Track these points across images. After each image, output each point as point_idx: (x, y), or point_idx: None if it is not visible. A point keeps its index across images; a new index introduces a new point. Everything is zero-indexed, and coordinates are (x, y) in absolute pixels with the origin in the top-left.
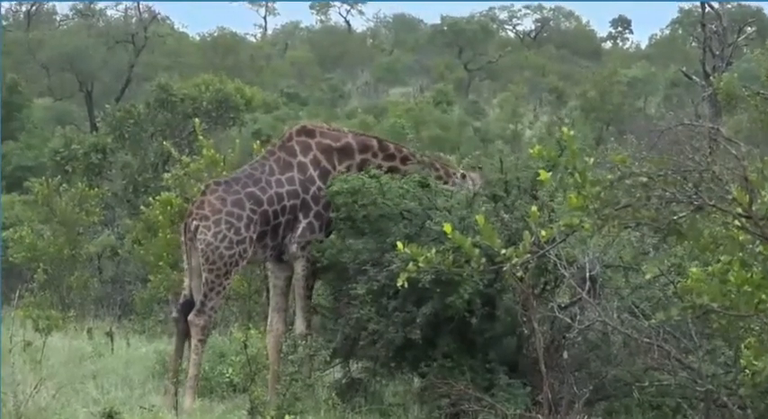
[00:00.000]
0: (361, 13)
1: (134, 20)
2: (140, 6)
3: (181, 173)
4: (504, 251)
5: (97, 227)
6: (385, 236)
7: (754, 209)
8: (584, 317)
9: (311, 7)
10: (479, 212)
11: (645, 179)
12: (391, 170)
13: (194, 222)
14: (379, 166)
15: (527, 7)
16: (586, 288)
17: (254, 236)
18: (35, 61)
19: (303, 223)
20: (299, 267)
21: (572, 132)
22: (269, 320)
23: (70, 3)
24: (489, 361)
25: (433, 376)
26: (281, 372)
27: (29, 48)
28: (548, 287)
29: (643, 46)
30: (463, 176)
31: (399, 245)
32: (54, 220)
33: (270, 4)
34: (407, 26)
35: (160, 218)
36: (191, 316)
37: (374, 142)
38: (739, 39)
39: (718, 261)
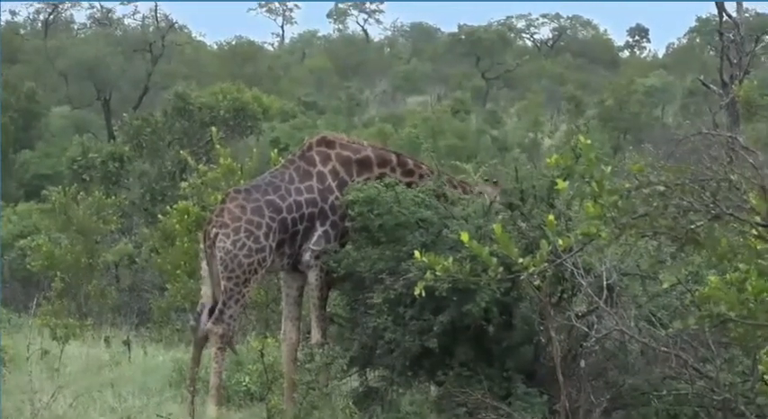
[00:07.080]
0: (378, 22)
1: (152, 28)
2: (158, 15)
3: (198, 182)
4: (521, 260)
5: (114, 236)
6: (401, 245)
7: None
8: (602, 326)
9: (329, 16)
10: (496, 221)
11: (662, 188)
12: (409, 186)
13: (213, 230)
14: (398, 181)
15: (544, 16)
16: (603, 296)
17: (274, 245)
18: (53, 70)
19: (319, 231)
20: (313, 276)
21: (588, 140)
22: (282, 329)
23: (88, 11)
24: (506, 369)
25: (450, 384)
26: (297, 381)
27: (47, 56)
28: (565, 295)
29: (660, 55)
30: (480, 193)
31: (416, 253)
32: (71, 229)
33: (287, 13)
34: (425, 35)
35: (177, 226)
36: (209, 325)
37: (393, 157)
38: (757, 48)
39: (736, 269)
